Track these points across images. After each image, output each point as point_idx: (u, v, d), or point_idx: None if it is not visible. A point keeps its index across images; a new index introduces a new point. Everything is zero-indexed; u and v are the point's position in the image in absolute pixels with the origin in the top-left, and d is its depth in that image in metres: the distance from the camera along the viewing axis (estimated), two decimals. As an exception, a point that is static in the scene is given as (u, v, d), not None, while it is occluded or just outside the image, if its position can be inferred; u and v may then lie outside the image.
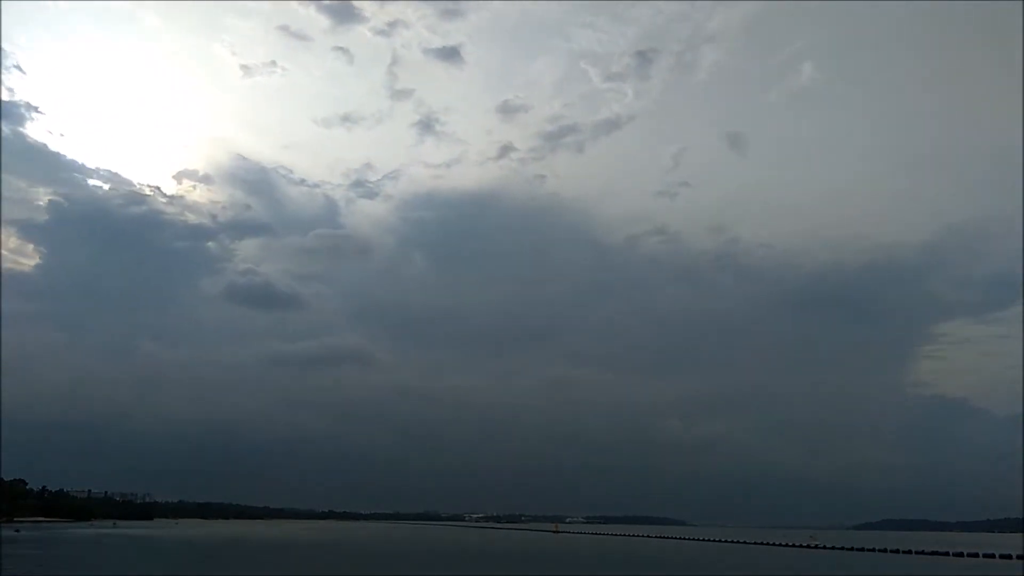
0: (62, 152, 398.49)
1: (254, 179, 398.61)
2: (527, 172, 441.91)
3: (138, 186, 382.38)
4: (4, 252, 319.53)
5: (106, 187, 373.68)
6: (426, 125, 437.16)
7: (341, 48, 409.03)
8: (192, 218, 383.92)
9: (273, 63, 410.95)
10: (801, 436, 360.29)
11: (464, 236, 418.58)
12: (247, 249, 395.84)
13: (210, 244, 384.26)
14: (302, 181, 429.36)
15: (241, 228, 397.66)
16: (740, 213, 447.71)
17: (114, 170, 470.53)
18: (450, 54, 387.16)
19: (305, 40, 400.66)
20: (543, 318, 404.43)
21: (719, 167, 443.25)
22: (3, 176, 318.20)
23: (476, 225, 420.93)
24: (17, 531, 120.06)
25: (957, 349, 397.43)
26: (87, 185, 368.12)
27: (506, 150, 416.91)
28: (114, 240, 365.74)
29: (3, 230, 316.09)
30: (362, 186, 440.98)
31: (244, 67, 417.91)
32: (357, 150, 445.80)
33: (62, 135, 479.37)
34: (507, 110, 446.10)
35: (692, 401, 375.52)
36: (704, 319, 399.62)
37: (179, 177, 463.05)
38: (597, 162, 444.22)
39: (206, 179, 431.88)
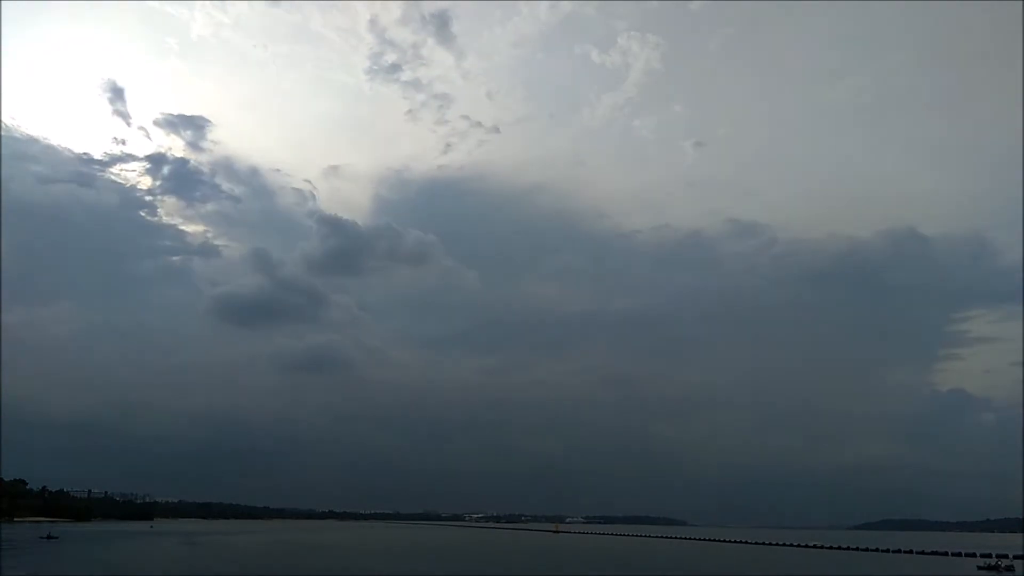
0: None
1: (224, 163, 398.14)
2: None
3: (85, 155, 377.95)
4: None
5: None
6: (412, 113, 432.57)
7: (324, 27, 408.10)
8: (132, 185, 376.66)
9: (259, 43, 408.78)
10: (802, 436, 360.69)
11: (445, 222, 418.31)
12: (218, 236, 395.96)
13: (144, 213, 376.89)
14: (278, 170, 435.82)
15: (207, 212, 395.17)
16: (753, 199, 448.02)
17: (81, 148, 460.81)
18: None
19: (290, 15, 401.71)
20: (540, 312, 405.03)
21: (731, 151, 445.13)
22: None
23: (456, 211, 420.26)
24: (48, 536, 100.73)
25: (973, 344, 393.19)
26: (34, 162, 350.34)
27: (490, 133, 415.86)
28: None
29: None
30: (337, 173, 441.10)
31: (223, 41, 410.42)
32: (337, 132, 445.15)
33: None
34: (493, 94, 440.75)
35: (692, 400, 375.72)
36: (704, 317, 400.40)
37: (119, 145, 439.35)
38: (601, 147, 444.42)
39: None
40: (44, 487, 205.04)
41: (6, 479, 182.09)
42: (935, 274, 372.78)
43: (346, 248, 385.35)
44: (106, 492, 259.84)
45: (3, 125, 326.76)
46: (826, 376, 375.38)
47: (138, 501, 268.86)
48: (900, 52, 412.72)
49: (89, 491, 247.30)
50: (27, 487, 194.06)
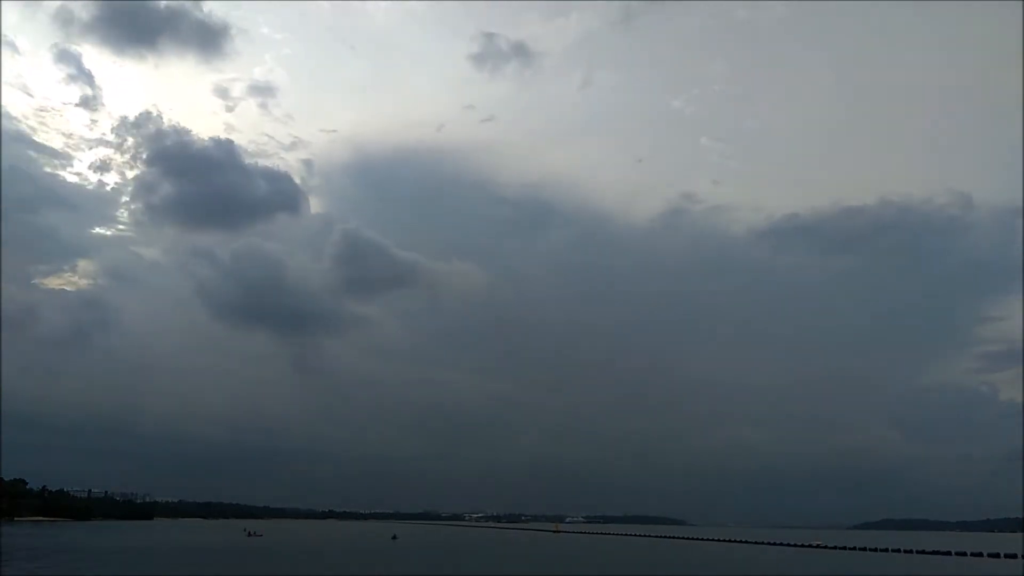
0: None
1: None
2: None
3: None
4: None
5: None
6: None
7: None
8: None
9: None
10: (802, 435, 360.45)
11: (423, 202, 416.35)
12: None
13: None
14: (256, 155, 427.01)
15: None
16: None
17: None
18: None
19: None
20: (536, 309, 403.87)
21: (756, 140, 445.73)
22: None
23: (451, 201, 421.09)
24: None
25: (987, 343, 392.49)
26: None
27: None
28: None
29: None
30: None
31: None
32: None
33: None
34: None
35: (692, 399, 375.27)
36: (701, 314, 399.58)
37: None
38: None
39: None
40: (44, 487, 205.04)
41: (6, 479, 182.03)
42: (960, 260, 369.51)
43: (342, 245, 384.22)
44: (106, 492, 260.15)
45: (3, 114, 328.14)
46: (828, 374, 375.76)
47: (138, 501, 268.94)
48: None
49: (89, 491, 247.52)
50: (27, 487, 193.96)
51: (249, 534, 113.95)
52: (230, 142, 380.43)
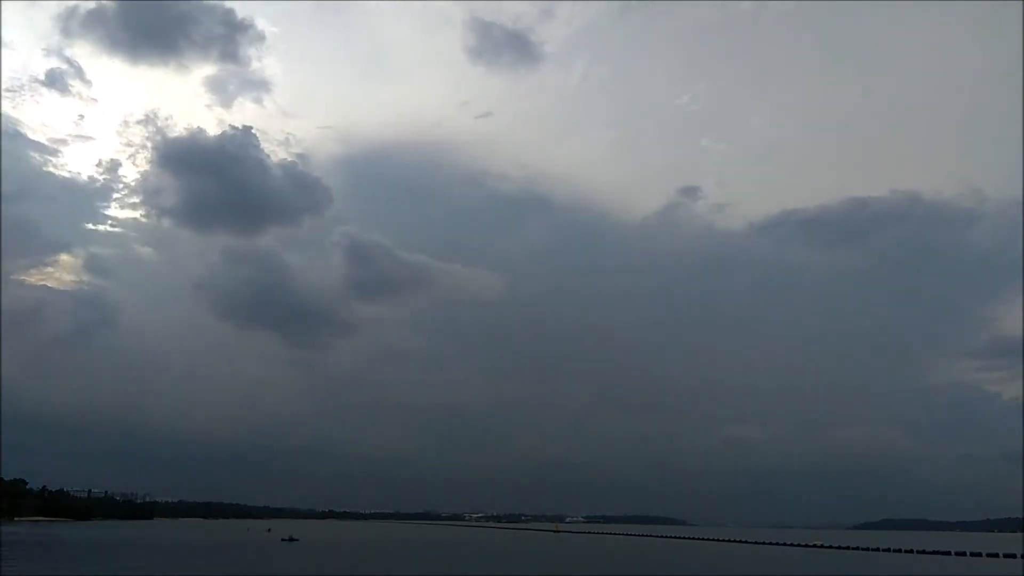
0: None
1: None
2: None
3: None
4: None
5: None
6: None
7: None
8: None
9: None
10: (802, 435, 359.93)
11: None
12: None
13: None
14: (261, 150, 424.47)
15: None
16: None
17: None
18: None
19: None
20: (535, 308, 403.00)
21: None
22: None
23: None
24: None
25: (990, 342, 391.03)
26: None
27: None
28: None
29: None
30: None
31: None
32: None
33: None
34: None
35: (691, 400, 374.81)
36: (701, 313, 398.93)
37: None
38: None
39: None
40: (44, 487, 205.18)
41: (6, 479, 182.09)
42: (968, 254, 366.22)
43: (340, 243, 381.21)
44: (106, 492, 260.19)
45: (3, 116, 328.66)
46: (829, 373, 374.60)
47: (138, 501, 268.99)
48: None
49: (89, 491, 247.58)
50: (27, 487, 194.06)
51: (290, 539, 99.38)
52: (248, 129, 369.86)
